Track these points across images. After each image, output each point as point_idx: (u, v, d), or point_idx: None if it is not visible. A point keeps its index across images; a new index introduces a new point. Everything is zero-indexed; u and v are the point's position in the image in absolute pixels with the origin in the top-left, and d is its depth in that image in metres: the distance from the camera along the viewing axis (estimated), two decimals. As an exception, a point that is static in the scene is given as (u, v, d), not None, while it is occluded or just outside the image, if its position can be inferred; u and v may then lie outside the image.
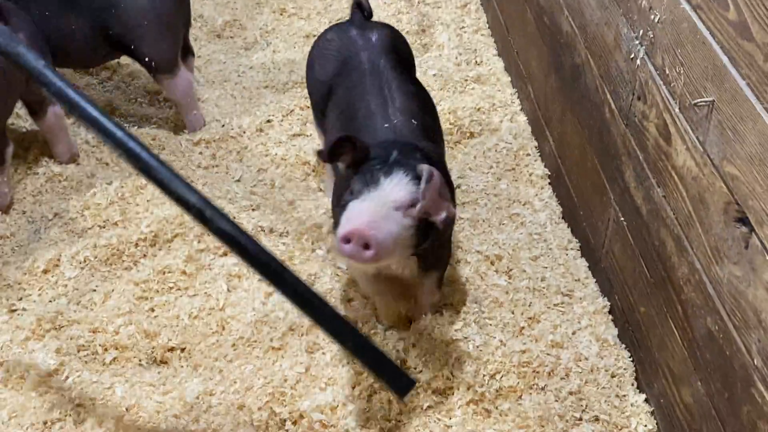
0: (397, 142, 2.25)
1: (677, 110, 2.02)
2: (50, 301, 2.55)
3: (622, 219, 2.38)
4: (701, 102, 1.90)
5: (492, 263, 2.65)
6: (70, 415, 2.23)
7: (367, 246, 1.97)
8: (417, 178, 2.05)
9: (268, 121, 3.28)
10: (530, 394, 2.28)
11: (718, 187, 1.85)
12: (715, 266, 1.88)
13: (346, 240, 1.97)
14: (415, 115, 2.44)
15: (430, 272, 2.41)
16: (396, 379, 2.01)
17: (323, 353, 2.39)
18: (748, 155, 1.73)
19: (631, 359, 2.37)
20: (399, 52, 2.69)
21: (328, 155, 2.13)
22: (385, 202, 2.03)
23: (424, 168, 2.05)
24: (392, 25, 2.92)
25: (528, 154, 3.10)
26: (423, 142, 2.34)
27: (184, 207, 1.75)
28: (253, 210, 2.87)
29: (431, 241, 2.16)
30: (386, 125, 2.38)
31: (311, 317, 1.87)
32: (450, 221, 2.12)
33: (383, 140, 2.29)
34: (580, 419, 2.23)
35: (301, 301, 1.84)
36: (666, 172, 2.10)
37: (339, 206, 2.13)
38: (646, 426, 2.21)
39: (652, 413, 2.24)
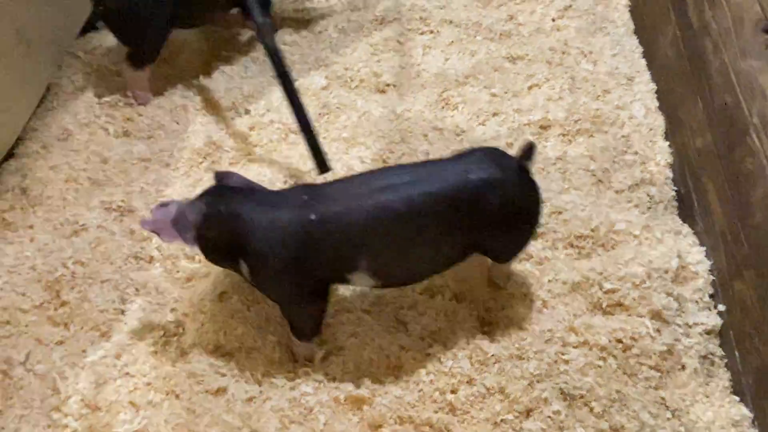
0: (248, 190, 1.57)
1: (738, -44, 1.83)
2: (321, 50, 2.58)
3: (678, 33, 2.22)
4: (759, -51, 1.71)
5: (585, 55, 2.51)
6: (333, 112, 2.34)
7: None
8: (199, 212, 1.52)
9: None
10: (598, 134, 2.23)
11: (755, 9, 1.70)
12: (740, 61, 1.76)
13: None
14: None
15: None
16: (320, 160, 1.89)
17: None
18: (784, -15, 1.57)
19: (664, 121, 2.27)
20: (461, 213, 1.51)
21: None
22: (168, 213, 1.53)
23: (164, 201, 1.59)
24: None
25: (616, -7, 2.84)
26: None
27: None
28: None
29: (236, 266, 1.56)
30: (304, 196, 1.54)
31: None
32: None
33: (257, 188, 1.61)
34: (626, 152, 2.19)
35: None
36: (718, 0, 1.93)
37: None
38: (666, 160, 2.15)
39: (672, 153, 2.18)
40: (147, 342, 1.73)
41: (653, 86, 2.39)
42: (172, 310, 1.81)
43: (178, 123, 2.27)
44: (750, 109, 1.69)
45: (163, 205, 1.56)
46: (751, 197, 1.65)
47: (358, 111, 2.33)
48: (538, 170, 2.14)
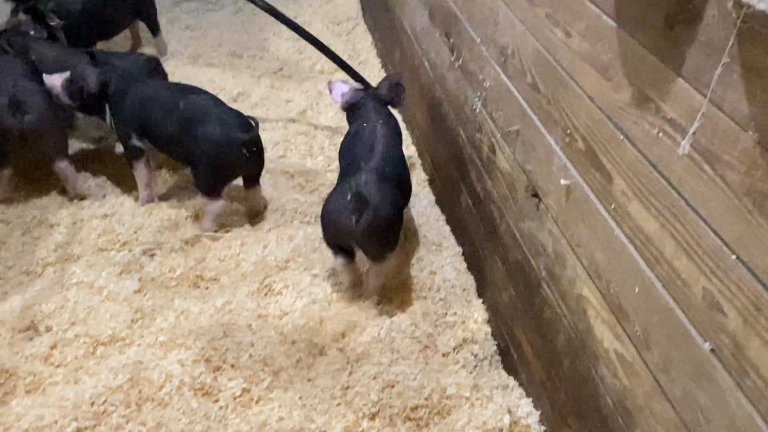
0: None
1: (499, 136, 2.08)
2: (130, 252, 2.49)
3: (469, 201, 2.43)
4: (512, 130, 1.96)
5: (396, 228, 2.67)
6: (148, 316, 2.19)
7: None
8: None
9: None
10: (418, 300, 2.29)
11: (522, 178, 1.91)
12: (521, 222, 1.94)
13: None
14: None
15: None
16: (355, 75, 2.97)
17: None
18: (538, 158, 1.79)
19: (474, 280, 2.41)
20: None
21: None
22: (343, 88, 2.62)
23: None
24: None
25: (416, 168, 3.09)
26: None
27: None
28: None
29: None
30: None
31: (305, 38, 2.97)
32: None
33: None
34: (446, 314, 2.27)
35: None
36: (493, 172, 2.15)
37: None
38: (482, 317, 2.25)
39: (486, 309, 2.29)
40: None
41: (459, 249, 2.55)
42: None
43: (-41, 354, 1.97)
44: (537, 265, 1.83)
45: (344, 82, 2.61)
46: (556, 345, 1.73)
47: (175, 311, 2.20)
48: (365, 346, 2.11)
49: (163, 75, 2.98)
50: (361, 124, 2.40)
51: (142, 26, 3.92)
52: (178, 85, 2.71)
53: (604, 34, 1.40)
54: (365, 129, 2.34)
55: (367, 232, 2.07)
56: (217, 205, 2.56)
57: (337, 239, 2.19)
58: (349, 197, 2.04)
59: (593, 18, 1.43)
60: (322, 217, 2.21)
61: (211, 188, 2.53)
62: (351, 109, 2.54)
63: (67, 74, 2.60)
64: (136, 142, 2.59)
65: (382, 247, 2.16)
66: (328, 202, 2.19)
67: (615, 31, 1.35)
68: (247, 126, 2.45)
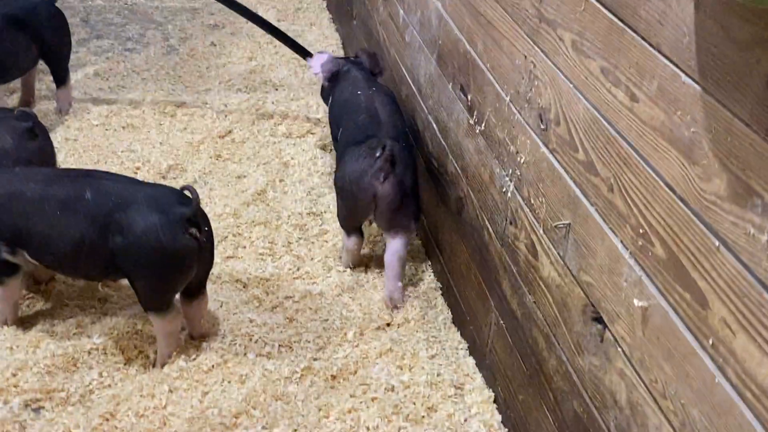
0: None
1: (542, 232, 2.10)
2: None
3: (502, 322, 2.43)
4: (560, 224, 1.98)
5: (393, 362, 2.63)
6: None
7: None
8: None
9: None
10: (430, 472, 2.27)
11: (577, 293, 1.92)
12: (578, 358, 1.93)
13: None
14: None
15: None
16: (299, 50, 3.96)
17: None
18: (599, 266, 1.80)
19: (513, 440, 2.38)
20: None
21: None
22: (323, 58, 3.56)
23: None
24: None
25: (423, 270, 3.13)
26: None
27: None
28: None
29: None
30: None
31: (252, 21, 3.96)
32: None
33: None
34: (473, 493, 2.23)
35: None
36: (535, 282, 2.16)
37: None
38: (527, 496, 2.21)
39: (532, 485, 2.24)
40: None
41: (490, 394, 2.52)
42: None
43: None
44: (606, 422, 1.80)
45: (322, 53, 3.61)
46: None
47: None
48: None
49: (44, 142, 3.00)
50: (353, 91, 3.19)
51: (39, 70, 4.02)
52: (68, 170, 2.74)
53: (684, 100, 1.44)
54: (359, 96, 3.13)
55: (392, 193, 2.77)
56: (170, 322, 2.56)
57: (356, 208, 2.89)
58: (378, 153, 2.77)
59: (667, 77, 1.48)
60: (342, 180, 2.90)
61: (160, 298, 2.53)
62: (332, 79, 3.39)
63: None
64: (6, 256, 2.57)
65: (405, 214, 2.87)
66: (347, 164, 2.86)
67: (699, 96, 1.39)
68: (185, 198, 2.50)
